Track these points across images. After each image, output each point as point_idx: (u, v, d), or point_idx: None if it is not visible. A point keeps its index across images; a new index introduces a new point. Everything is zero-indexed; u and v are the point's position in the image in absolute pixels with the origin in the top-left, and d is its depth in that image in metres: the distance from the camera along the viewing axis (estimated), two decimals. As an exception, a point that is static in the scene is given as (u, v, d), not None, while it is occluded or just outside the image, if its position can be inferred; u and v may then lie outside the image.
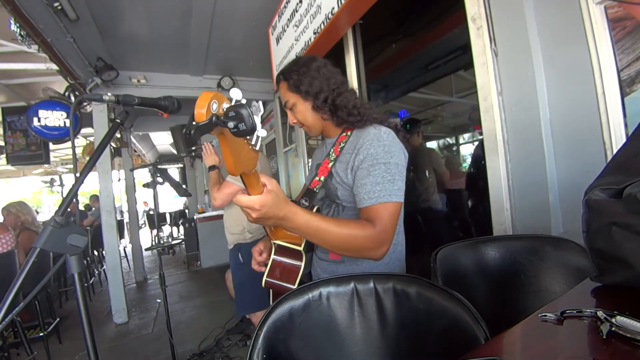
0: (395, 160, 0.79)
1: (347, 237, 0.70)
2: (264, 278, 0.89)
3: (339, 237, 0.69)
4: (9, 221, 3.11)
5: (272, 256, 0.90)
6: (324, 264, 0.95)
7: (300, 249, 0.87)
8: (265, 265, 0.91)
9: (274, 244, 0.90)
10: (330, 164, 0.89)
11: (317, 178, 0.93)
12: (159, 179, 2.09)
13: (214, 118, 0.45)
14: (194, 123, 0.45)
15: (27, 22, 2.11)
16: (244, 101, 0.49)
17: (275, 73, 2.65)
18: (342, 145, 0.88)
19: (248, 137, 0.52)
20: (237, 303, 1.88)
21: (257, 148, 0.55)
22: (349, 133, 0.89)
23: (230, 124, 0.46)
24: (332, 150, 0.90)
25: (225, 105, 0.47)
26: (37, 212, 8.52)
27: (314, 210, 0.90)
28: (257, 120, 0.48)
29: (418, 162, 2.54)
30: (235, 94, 0.48)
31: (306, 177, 1.17)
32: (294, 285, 0.86)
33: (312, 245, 0.97)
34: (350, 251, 0.72)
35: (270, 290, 0.94)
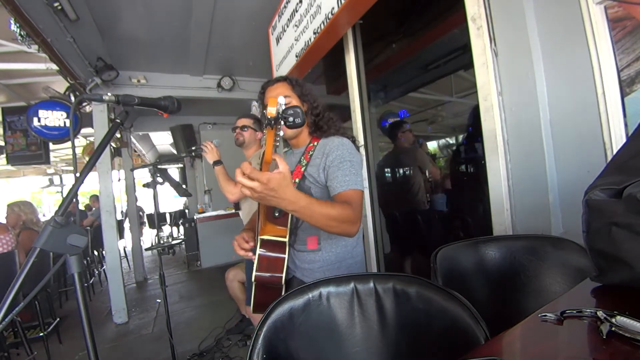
0: (357, 160, 1.01)
1: (337, 214, 0.82)
2: (254, 274, 0.96)
3: (330, 214, 0.81)
4: (11, 220, 3.10)
5: (258, 251, 0.97)
6: (302, 254, 1.07)
7: (286, 240, 0.99)
8: (253, 252, 1.00)
9: (260, 239, 0.98)
10: (303, 168, 1.05)
11: (292, 181, 1.03)
12: (159, 179, 2.08)
13: (279, 115, 0.65)
14: (268, 117, 0.65)
15: (27, 22, 2.11)
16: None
17: (275, 73, 2.65)
18: (311, 153, 1.07)
19: (277, 138, 0.70)
20: (247, 296, 1.89)
21: (278, 144, 0.74)
22: (315, 143, 1.08)
23: (290, 119, 0.68)
24: (302, 157, 1.08)
25: (280, 107, 0.67)
26: (43, 215, 8.54)
27: None
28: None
29: (409, 163, 2.57)
30: (282, 100, 0.68)
31: None
32: (281, 273, 0.97)
33: (292, 241, 1.10)
34: (337, 227, 0.84)
35: (253, 286, 1.01)
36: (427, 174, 2.51)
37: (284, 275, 0.97)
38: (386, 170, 2.74)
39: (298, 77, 1.17)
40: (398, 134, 2.59)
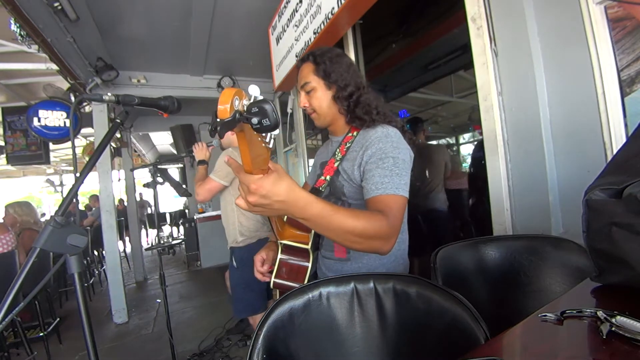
0: (403, 156, 0.80)
1: (363, 228, 0.64)
2: (272, 279, 0.88)
3: (354, 227, 0.62)
4: (8, 221, 3.11)
5: (279, 256, 0.88)
6: (329, 262, 0.94)
7: (308, 247, 0.86)
8: (270, 274, 0.90)
9: (281, 244, 0.89)
10: (337, 163, 0.90)
11: (322, 177, 0.92)
12: (159, 179, 2.08)
13: (237, 114, 0.43)
14: (218, 120, 0.43)
15: (27, 22, 2.11)
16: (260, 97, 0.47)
17: (275, 73, 2.65)
18: (348, 145, 0.90)
19: (263, 135, 0.49)
20: (234, 306, 1.87)
21: (270, 146, 0.52)
22: (354, 133, 0.90)
23: (254, 120, 0.44)
24: (338, 149, 0.91)
25: (246, 102, 0.45)
26: (43, 214, 8.53)
27: None
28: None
29: (432, 160, 2.51)
30: (254, 90, 0.46)
31: (307, 176, 1.14)
32: (302, 283, 0.86)
33: (319, 244, 0.97)
34: (361, 243, 0.65)
35: (277, 292, 0.93)
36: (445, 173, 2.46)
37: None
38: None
39: (332, 48, 0.95)
40: (423, 130, 2.54)
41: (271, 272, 0.90)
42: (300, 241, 0.86)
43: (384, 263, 0.89)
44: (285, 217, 0.89)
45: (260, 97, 0.46)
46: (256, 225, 1.81)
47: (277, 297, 0.91)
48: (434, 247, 0.88)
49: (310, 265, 0.87)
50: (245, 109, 0.44)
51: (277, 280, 0.88)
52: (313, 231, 0.86)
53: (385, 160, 0.78)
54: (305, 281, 0.86)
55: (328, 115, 0.92)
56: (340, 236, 0.63)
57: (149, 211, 8.44)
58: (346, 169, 0.87)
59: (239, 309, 1.83)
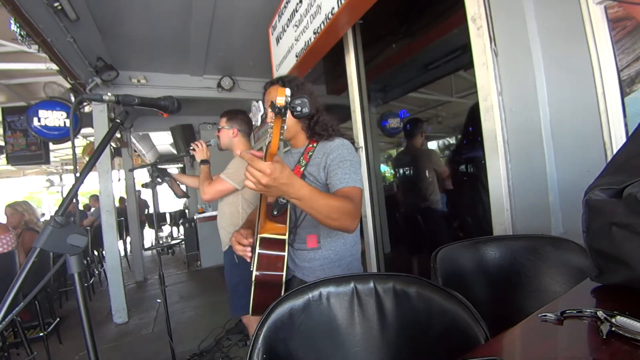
0: (356, 160, 1.03)
1: (339, 206, 0.83)
2: (254, 273, 0.95)
3: (332, 205, 0.82)
4: (13, 220, 3.10)
5: (258, 251, 0.96)
6: (302, 253, 1.09)
7: (285, 238, 0.98)
8: (252, 250, 1.00)
9: (259, 238, 0.97)
10: (302, 168, 1.07)
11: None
12: (158, 179, 2.08)
13: (288, 104, 0.62)
14: (277, 106, 0.62)
15: (27, 22, 2.11)
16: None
17: (275, 73, 2.65)
18: (310, 153, 1.09)
19: (283, 128, 0.69)
20: (232, 305, 1.87)
21: (282, 137, 0.74)
22: (314, 144, 1.10)
23: (298, 108, 0.70)
24: (301, 158, 1.09)
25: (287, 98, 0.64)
26: (43, 214, 8.52)
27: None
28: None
29: (418, 163, 2.54)
30: (288, 92, 0.63)
31: None
32: (282, 272, 0.97)
33: (292, 241, 1.10)
34: (338, 219, 0.83)
35: (252, 286, 0.99)
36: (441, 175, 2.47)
37: (284, 273, 0.97)
38: (405, 169, 2.71)
39: (297, 76, 1.18)
40: (418, 133, 2.56)
41: (252, 250, 1.00)
42: (278, 233, 0.99)
43: (347, 248, 1.08)
44: (266, 212, 1.02)
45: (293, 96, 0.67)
46: None
47: (252, 292, 0.99)
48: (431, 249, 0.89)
49: (286, 254, 0.98)
50: (289, 102, 0.63)
51: (259, 272, 0.96)
52: (288, 225, 1.01)
53: (345, 162, 0.99)
54: (284, 268, 0.97)
55: (292, 130, 1.12)
56: (322, 212, 0.80)
57: (147, 212, 8.43)
58: (312, 172, 1.05)
59: (239, 307, 1.83)
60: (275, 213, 1.01)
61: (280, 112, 0.63)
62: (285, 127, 0.70)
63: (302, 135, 1.14)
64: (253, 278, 0.96)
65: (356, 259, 1.12)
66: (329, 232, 1.06)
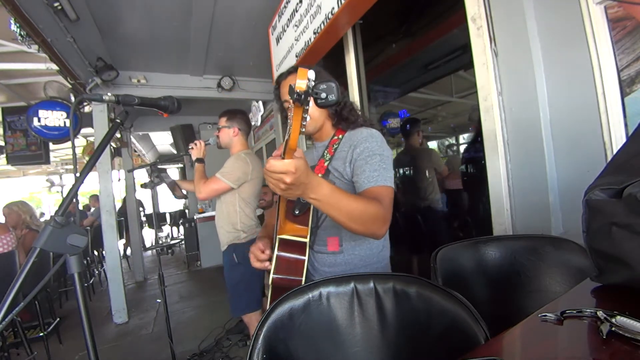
0: (387, 153, 0.90)
1: (365, 209, 0.73)
2: (272, 276, 0.89)
3: (357, 208, 0.72)
4: (11, 219, 3.10)
5: (277, 253, 0.89)
6: (321, 256, 0.98)
7: (306, 240, 0.90)
8: (270, 262, 0.92)
9: (279, 239, 0.90)
10: (327, 163, 0.96)
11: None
12: (156, 180, 2.08)
13: (310, 89, 0.51)
14: (296, 92, 0.50)
15: (27, 22, 2.11)
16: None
17: (275, 73, 2.65)
18: (335, 146, 0.98)
19: (304, 124, 0.56)
20: (232, 304, 1.87)
21: (304, 130, 0.59)
22: (340, 136, 0.98)
23: (322, 95, 0.53)
24: (325, 151, 0.99)
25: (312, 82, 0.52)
26: (42, 214, 8.50)
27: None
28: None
29: (418, 162, 2.54)
30: (311, 74, 0.51)
31: None
32: (301, 277, 0.88)
33: (312, 242, 1.00)
34: (364, 224, 0.74)
35: (270, 290, 0.94)
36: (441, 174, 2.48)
37: (303, 279, 0.88)
38: (405, 169, 2.71)
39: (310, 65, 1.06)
40: (415, 132, 2.56)
41: (270, 261, 0.92)
42: (300, 235, 0.90)
43: (373, 254, 0.96)
44: (286, 213, 0.93)
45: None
46: (252, 222, 1.91)
47: (269, 295, 0.93)
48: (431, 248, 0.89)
49: (306, 258, 0.91)
50: (312, 86, 0.51)
51: (277, 276, 0.89)
52: (310, 226, 0.91)
53: (373, 157, 0.87)
54: (304, 274, 0.89)
55: (319, 119, 1.00)
56: (346, 215, 0.70)
57: (142, 212, 8.40)
58: (337, 167, 0.94)
59: (239, 307, 1.84)
60: (297, 212, 0.91)
61: (299, 100, 0.50)
62: (308, 118, 0.56)
63: (328, 124, 1.02)
64: (270, 281, 0.90)
65: (383, 266, 0.99)
66: (353, 235, 0.93)
